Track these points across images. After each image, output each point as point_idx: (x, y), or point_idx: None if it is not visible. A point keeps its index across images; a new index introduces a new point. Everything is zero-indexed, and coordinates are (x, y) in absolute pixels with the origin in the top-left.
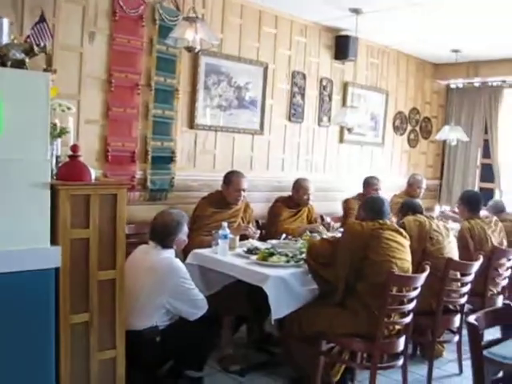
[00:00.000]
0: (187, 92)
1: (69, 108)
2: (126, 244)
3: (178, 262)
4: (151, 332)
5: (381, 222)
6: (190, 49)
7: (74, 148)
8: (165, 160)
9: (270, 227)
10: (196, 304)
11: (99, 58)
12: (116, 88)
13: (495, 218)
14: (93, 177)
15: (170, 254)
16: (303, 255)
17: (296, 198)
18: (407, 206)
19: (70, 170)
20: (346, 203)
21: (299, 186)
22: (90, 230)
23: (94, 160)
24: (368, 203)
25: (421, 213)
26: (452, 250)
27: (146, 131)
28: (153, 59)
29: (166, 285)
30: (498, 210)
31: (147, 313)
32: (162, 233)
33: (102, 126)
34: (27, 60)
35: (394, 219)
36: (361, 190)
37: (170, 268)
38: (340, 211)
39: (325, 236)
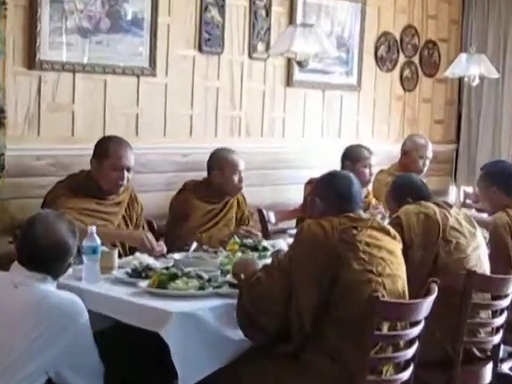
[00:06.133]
0: (21, 6)
1: None
2: None
3: (78, 300)
4: None
5: (353, 215)
6: None
7: None
8: None
9: (170, 234)
10: (93, 374)
11: None
12: None
13: None
14: None
15: (53, 286)
16: (228, 277)
17: (219, 184)
18: (403, 188)
19: None
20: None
21: (224, 163)
22: None
23: None
24: (327, 185)
25: (427, 198)
26: (481, 262)
27: None
28: None
29: (60, 337)
30: None
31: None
32: (53, 257)
33: None
34: None
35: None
36: (336, 165)
37: (69, 310)
38: (292, 200)
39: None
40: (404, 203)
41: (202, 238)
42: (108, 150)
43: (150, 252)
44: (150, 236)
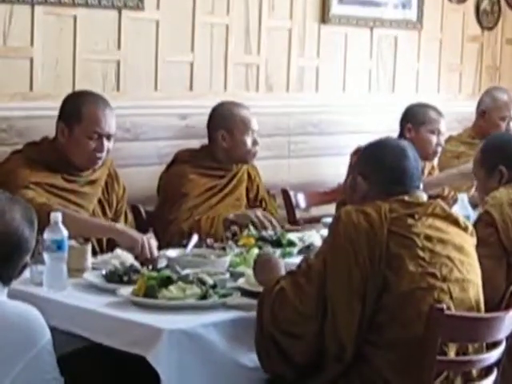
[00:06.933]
0: None
1: None
2: None
3: (36, 313)
4: None
5: (408, 199)
6: None
7: None
8: None
9: (161, 223)
10: None
11: None
12: None
13: None
14: None
15: (4, 295)
16: (240, 281)
17: (225, 149)
18: (496, 151)
19: None
20: None
21: (232, 120)
22: None
23: None
24: (373, 158)
25: None
26: None
27: None
28: None
29: (15, 360)
30: None
31: None
32: (4, 254)
33: None
34: None
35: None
36: (390, 131)
37: (29, 328)
38: (329, 177)
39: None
40: (495, 173)
41: (201, 222)
42: (80, 111)
43: (145, 261)
44: (153, 243)
